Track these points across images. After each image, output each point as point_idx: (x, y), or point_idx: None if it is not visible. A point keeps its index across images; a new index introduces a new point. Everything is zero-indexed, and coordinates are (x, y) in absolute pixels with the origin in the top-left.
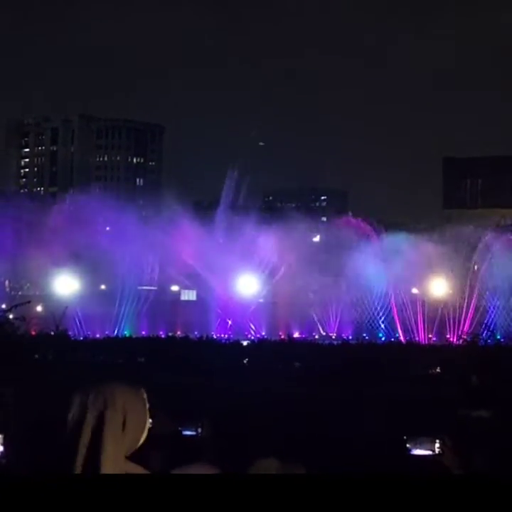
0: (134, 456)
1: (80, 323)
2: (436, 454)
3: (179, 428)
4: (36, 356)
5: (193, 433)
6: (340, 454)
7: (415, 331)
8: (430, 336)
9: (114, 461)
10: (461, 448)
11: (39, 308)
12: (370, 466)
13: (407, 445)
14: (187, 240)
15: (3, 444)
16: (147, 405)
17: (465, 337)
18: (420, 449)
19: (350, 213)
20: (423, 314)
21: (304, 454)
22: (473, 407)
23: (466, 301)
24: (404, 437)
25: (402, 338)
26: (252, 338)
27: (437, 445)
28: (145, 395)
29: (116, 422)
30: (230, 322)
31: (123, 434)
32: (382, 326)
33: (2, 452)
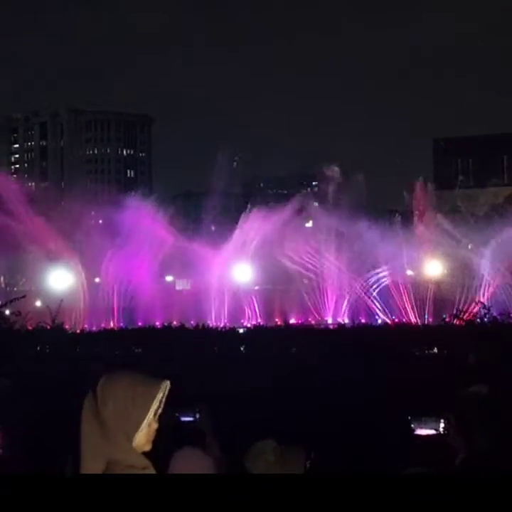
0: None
1: (75, 316)
2: (441, 434)
3: (177, 414)
4: (33, 350)
5: (191, 419)
6: (343, 436)
7: (411, 313)
8: (427, 316)
9: (93, 452)
10: (463, 426)
11: (38, 304)
12: (374, 448)
13: (412, 425)
14: (179, 229)
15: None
16: (153, 401)
17: (461, 316)
18: (425, 428)
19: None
20: (418, 295)
21: (303, 437)
22: (471, 384)
23: (461, 280)
24: (409, 417)
25: (398, 320)
26: (248, 325)
27: (442, 424)
28: (154, 390)
29: (88, 410)
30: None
31: (101, 425)
32: (379, 308)
33: None
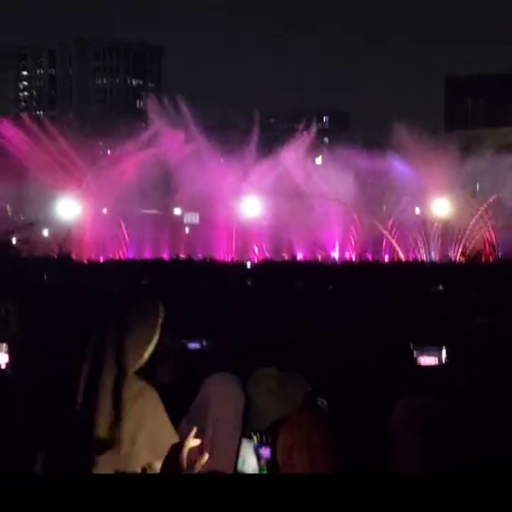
0: (142, 371)
1: (82, 246)
2: (443, 363)
3: (184, 341)
4: (39, 278)
5: (198, 346)
6: (345, 363)
7: (418, 251)
8: (433, 254)
9: (114, 374)
10: (466, 355)
11: (45, 233)
12: (375, 377)
13: (414, 353)
14: (189, 161)
15: (8, 353)
16: (158, 320)
17: (467, 254)
18: (427, 356)
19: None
20: (426, 234)
21: (306, 365)
22: (474, 316)
23: (469, 220)
24: (411, 345)
25: (404, 257)
26: (256, 259)
27: (444, 353)
28: (155, 310)
29: (113, 334)
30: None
31: (123, 347)
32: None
33: (7, 362)
